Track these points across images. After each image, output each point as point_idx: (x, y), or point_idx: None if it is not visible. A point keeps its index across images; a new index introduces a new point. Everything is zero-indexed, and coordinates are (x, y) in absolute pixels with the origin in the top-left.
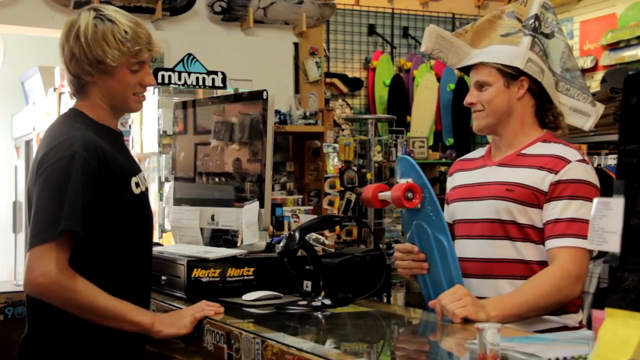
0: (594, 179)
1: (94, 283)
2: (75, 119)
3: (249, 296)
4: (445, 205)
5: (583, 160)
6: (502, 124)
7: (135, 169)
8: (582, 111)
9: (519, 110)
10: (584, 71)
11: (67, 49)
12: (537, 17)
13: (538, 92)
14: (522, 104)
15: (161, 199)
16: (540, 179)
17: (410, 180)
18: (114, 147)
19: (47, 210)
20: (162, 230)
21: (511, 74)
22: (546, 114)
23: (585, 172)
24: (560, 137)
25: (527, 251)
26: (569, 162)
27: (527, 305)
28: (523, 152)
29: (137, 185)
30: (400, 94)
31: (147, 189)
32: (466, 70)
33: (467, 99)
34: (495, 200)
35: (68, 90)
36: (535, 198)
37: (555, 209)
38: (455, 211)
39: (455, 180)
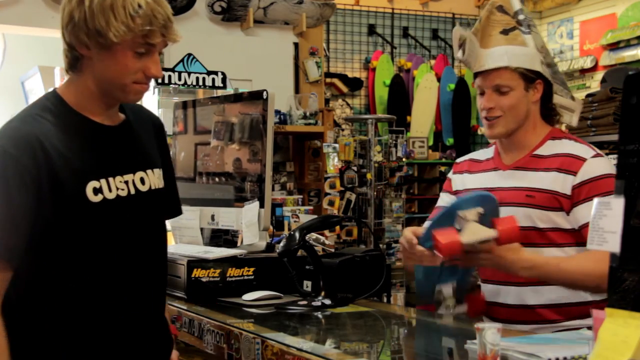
0: (613, 169)
1: (55, 306)
2: (43, 105)
3: (249, 296)
4: (446, 196)
5: (598, 155)
6: (519, 128)
7: (105, 171)
8: (566, 107)
9: (532, 112)
10: (584, 71)
11: (66, 11)
12: (522, 12)
13: (547, 93)
14: (535, 105)
15: None
16: (560, 182)
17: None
18: (82, 143)
19: None
20: None
21: (531, 78)
22: (549, 112)
23: (603, 165)
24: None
25: (550, 255)
26: (584, 160)
27: (563, 275)
28: (536, 152)
29: (97, 191)
30: (400, 94)
31: (131, 195)
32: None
33: (486, 104)
34: (516, 207)
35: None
36: (557, 201)
37: (588, 211)
38: None
39: (465, 182)
